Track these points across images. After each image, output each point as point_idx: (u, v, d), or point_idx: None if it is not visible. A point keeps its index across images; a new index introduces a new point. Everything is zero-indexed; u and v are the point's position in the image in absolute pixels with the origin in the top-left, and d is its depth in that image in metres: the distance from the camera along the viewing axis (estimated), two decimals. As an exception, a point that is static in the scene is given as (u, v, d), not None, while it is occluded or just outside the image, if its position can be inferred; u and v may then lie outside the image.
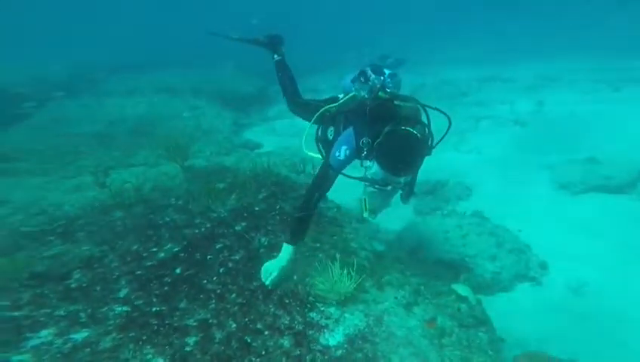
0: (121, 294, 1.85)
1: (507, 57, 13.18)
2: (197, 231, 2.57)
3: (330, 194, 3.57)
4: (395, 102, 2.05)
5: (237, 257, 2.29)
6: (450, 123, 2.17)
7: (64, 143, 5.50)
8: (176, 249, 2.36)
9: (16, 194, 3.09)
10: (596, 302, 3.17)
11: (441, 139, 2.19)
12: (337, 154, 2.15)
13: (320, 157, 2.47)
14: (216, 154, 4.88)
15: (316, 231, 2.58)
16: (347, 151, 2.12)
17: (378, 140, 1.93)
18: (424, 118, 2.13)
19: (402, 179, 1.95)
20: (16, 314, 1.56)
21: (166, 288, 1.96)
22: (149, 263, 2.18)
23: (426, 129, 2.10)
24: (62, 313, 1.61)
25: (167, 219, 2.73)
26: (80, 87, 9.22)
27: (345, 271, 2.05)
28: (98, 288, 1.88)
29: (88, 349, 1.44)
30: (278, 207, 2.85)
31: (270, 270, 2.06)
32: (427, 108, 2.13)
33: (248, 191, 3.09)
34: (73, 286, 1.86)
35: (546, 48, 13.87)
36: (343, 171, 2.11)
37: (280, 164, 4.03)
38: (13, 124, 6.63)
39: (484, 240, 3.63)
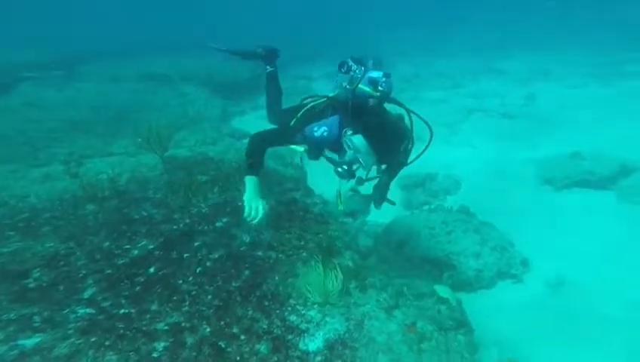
0: (86, 295, 1.73)
1: (503, 48, 13.21)
2: (175, 227, 2.44)
3: (318, 189, 3.51)
4: (384, 105, 2.09)
5: (216, 256, 2.19)
6: (431, 136, 2.22)
7: (36, 129, 5.18)
8: (151, 246, 2.24)
9: (-23, 183, 2.87)
10: (574, 300, 3.23)
11: (420, 154, 2.25)
12: (315, 129, 2.17)
13: (303, 148, 2.44)
14: (201, 144, 4.69)
15: (301, 229, 2.50)
16: (325, 133, 2.14)
17: (374, 120, 1.98)
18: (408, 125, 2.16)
19: (371, 161, 2.00)
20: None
21: (137, 288, 1.84)
22: (121, 261, 2.05)
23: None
24: (12, 316, 1.48)
25: (144, 214, 2.59)
26: (54, 70, 8.73)
27: (331, 274, 1.99)
28: (61, 288, 1.75)
29: (38, 357, 1.32)
30: (261, 202, 2.74)
31: (255, 205, 1.88)
32: (413, 116, 2.18)
33: (232, 184, 2.96)
34: (31, 286, 1.73)
35: (544, 39, 13.90)
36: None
37: (267, 155, 3.89)
38: None
39: (468, 237, 3.64)
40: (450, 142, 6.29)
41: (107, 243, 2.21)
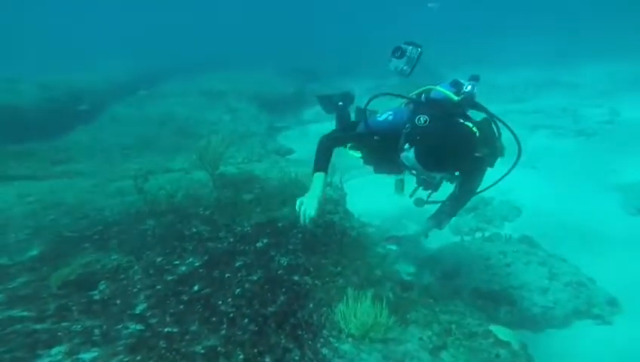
0: (138, 310, 1.89)
1: (572, 58, 11.64)
2: (219, 245, 2.57)
3: (357, 211, 3.42)
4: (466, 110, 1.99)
5: (254, 278, 2.24)
6: (518, 155, 2.05)
7: (116, 144, 6.01)
8: (197, 263, 2.38)
9: (68, 196, 3.38)
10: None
11: (502, 178, 2.12)
12: (379, 115, 2.19)
13: (359, 155, 2.55)
14: (248, 161, 4.97)
15: (338, 254, 2.44)
16: (390, 117, 2.13)
17: (427, 122, 1.88)
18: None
19: (438, 176, 1.93)
20: (37, 326, 1.64)
21: (181, 306, 1.96)
22: (170, 277, 2.21)
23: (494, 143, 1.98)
24: (79, 328, 1.67)
25: (194, 230, 2.78)
26: (140, 89, 10.04)
27: (377, 306, 1.87)
28: (118, 301, 1.94)
29: (94, 371, 1.46)
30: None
31: (307, 203, 1.93)
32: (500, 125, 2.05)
33: (273, 204, 3.04)
34: (96, 297, 1.95)
35: (624, 46, 11.72)
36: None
37: (308, 174, 3.93)
38: (82, 123, 7.41)
39: (532, 271, 3.19)
40: (508, 162, 5.69)
41: (160, 259, 2.41)
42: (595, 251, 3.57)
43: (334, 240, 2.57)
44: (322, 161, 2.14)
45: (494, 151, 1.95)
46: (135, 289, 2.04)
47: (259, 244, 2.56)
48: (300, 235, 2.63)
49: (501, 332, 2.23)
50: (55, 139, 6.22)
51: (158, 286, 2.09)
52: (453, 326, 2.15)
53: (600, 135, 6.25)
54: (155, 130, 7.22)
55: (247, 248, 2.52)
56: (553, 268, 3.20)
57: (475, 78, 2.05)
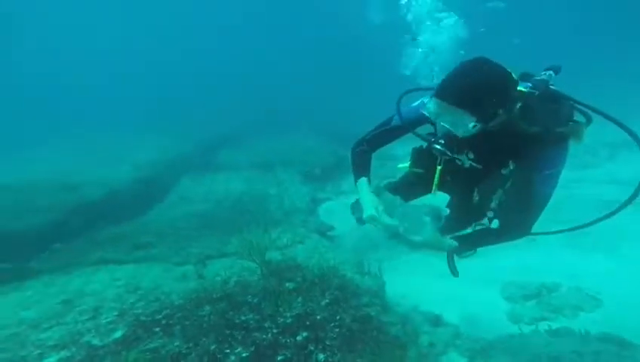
0: (191, 401, 2.11)
1: None
2: (264, 336, 2.79)
3: (396, 298, 3.37)
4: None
5: (293, 374, 2.36)
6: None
7: (180, 227, 6.86)
8: (244, 354, 2.60)
9: (146, 280, 4.03)
10: None
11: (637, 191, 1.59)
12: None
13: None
14: (292, 243, 5.33)
15: (373, 354, 2.46)
16: (426, 99, 1.81)
17: None
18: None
19: (447, 124, 1.54)
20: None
21: (227, 401, 2.14)
22: (220, 368, 2.45)
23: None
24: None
25: (243, 318, 3.06)
26: (199, 163, 10.79)
27: None
28: (175, 390, 2.20)
29: None
30: (338, 317, 2.88)
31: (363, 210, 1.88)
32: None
33: (313, 294, 3.24)
34: (157, 385, 2.24)
35: None
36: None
37: (346, 261, 4.13)
38: (158, 201, 8.27)
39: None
40: (576, 245, 4.71)
41: (213, 347, 2.69)
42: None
43: (370, 337, 2.62)
44: (360, 168, 2.06)
45: (549, 125, 1.57)
46: (191, 379, 2.30)
47: (299, 338, 2.72)
48: (337, 330, 2.74)
49: None
50: (138, 219, 7.32)
51: (209, 377, 2.32)
52: None
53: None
54: (213, 207, 8.02)
55: (288, 341, 2.70)
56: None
57: (553, 69, 1.69)
